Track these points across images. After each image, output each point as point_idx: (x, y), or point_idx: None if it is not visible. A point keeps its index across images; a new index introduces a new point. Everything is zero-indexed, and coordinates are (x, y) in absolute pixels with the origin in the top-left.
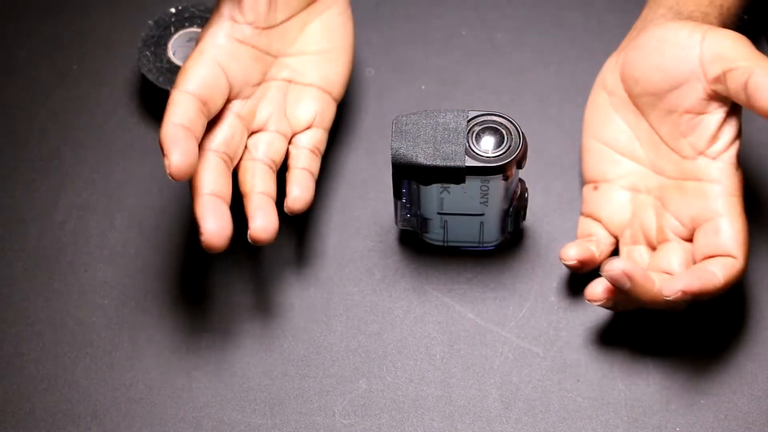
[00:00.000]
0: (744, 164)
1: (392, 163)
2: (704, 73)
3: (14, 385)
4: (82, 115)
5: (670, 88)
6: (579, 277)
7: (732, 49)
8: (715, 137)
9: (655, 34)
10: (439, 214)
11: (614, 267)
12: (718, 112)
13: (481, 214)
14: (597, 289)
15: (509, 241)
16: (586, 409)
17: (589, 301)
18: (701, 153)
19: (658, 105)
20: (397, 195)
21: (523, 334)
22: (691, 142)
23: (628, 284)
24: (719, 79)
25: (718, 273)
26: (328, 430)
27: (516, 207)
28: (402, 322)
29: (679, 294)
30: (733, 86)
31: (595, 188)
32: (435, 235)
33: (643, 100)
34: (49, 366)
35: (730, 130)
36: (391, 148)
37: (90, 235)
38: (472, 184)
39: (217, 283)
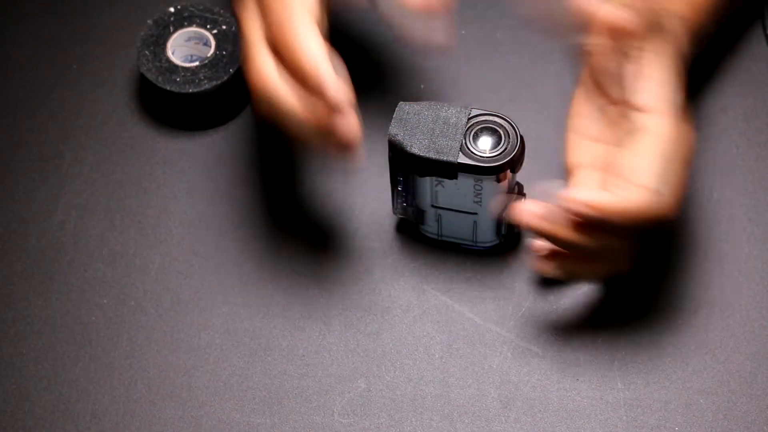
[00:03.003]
0: (744, 164)
1: (388, 148)
2: None
3: (14, 385)
4: (81, 115)
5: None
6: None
7: None
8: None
9: None
10: (433, 207)
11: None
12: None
13: (475, 213)
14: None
15: (508, 241)
16: (586, 408)
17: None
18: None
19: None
20: (393, 182)
21: (522, 334)
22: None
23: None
24: None
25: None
26: (327, 429)
27: None
28: (401, 321)
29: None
30: None
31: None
32: (430, 227)
33: (599, 82)
34: (48, 366)
35: (642, 80)
36: (389, 134)
37: (90, 235)
38: (465, 181)
39: (216, 283)
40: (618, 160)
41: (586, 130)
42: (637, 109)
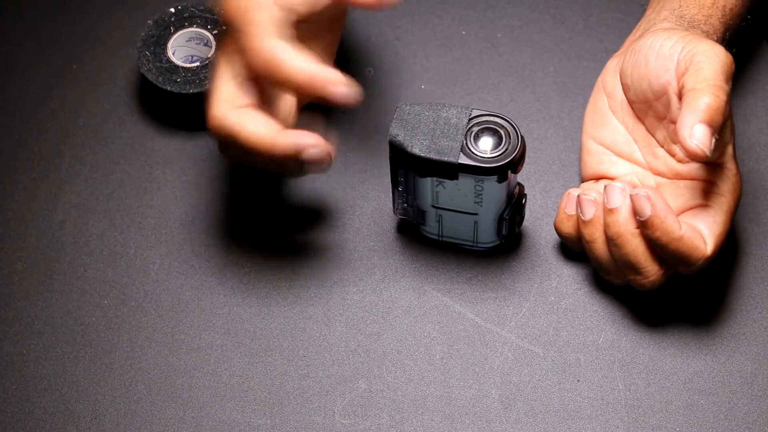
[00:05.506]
0: (743, 164)
1: (389, 148)
2: (676, 86)
3: (14, 385)
4: (81, 114)
5: (654, 97)
6: (579, 276)
7: (697, 71)
8: None
9: (647, 43)
10: (434, 207)
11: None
12: None
13: (475, 214)
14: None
15: (508, 241)
16: (586, 409)
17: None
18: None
19: (649, 112)
20: (394, 183)
21: (522, 334)
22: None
23: (647, 213)
24: (680, 95)
25: (687, 245)
26: (327, 430)
27: (511, 212)
28: (402, 322)
29: (646, 203)
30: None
31: (596, 182)
32: (431, 228)
33: (637, 106)
34: (49, 366)
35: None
36: (389, 134)
37: (89, 235)
38: (466, 182)
39: (216, 283)
40: (675, 200)
41: (607, 142)
42: (716, 163)
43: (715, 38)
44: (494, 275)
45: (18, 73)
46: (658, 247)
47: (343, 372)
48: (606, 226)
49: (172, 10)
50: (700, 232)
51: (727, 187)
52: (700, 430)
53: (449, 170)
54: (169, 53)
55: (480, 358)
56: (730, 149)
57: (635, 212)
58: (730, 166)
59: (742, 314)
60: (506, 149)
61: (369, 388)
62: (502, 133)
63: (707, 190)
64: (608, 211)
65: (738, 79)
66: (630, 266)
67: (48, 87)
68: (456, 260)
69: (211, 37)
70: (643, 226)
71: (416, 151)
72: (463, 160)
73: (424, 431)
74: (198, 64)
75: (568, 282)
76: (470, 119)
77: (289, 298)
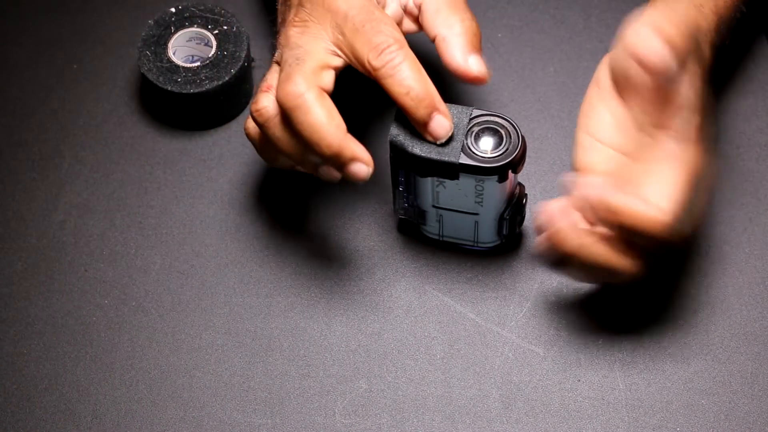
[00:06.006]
0: (744, 164)
1: (389, 148)
2: None
3: (14, 385)
4: (82, 114)
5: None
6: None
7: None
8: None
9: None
10: (434, 207)
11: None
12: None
13: (476, 214)
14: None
15: (508, 241)
16: (587, 409)
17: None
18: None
19: (629, 89)
20: (394, 183)
21: (523, 334)
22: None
23: (589, 204)
24: None
25: (638, 216)
26: (328, 430)
27: (512, 212)
28: (402, 321)
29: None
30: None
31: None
32: (431, 228)
33: (619, 86)
34: (49, 366)
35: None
36: (390, 134)
37: (90, 235)
38: (467, 182)
39: (217, 283)
40: (639, 179)
41: (596, 132)
42: (668, 132)
43: (708, 28)
44: (495, 275)
45: (18, 73)
46: (616, 230)
47: (344, 372)
48: (563, 245)
49: (173, 9)
50: (651, 199)
51: (687, 158)
52: (700, 430)
53: (450, 170)
54: (170, 53)
55: (480, 358)
56: (695, 120)
57: (582, 213)
58: (692, 138)
59: (742, 314)
60: (507, 149)
61: (369, 388)
62: (503, 133)
63: (659, 159)
64: (557, 232)
65: (738, 78)
66: (606, 272)
67: (48, 87)
68: (456, 260)
69: (212, 37)
70: (593, 218)
71: (417, 151)
72: (464, 159)
73: (424, 431)
74: (198, 64)
75: (568, 282)
76: (471, 119)
77: (290, 298)
